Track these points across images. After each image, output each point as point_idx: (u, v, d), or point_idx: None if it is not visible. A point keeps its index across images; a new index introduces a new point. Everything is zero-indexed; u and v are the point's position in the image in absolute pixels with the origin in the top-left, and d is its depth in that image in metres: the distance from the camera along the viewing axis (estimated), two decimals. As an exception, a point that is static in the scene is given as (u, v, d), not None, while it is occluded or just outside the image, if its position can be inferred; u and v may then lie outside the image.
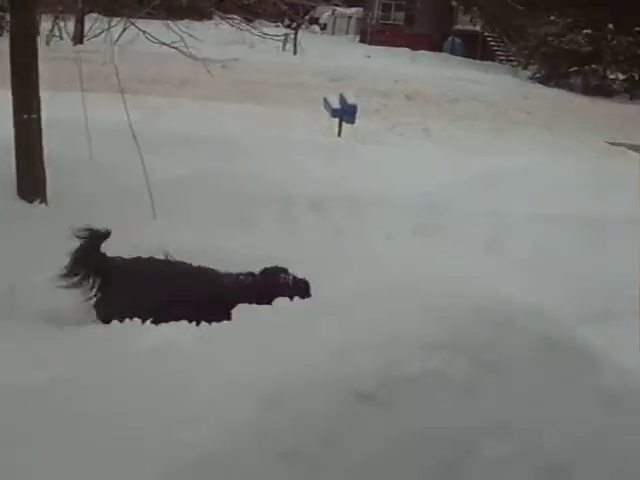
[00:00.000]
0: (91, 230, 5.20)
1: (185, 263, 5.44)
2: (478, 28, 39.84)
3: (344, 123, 13.41)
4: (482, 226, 7.96)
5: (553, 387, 2.77)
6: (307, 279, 5.42)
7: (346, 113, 13.27)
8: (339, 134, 13.37)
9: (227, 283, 5.38)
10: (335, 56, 29.23)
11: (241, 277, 5.44)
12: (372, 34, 41.49)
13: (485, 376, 2.74)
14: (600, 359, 3.02)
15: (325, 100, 14.10)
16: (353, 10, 45.91)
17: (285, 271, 5.44)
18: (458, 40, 39.75)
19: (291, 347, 3.05)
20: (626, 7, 29.31)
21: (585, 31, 29.80)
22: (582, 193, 9.27)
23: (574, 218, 8.34)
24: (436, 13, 40.73)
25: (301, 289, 5.19)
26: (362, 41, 42.07)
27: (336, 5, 43.15)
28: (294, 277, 5.41)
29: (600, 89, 29.95)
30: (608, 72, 31.01)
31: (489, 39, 39.19)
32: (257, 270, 5.47)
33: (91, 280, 5.19)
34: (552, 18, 30.83)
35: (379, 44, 38.64)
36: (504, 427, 2.60)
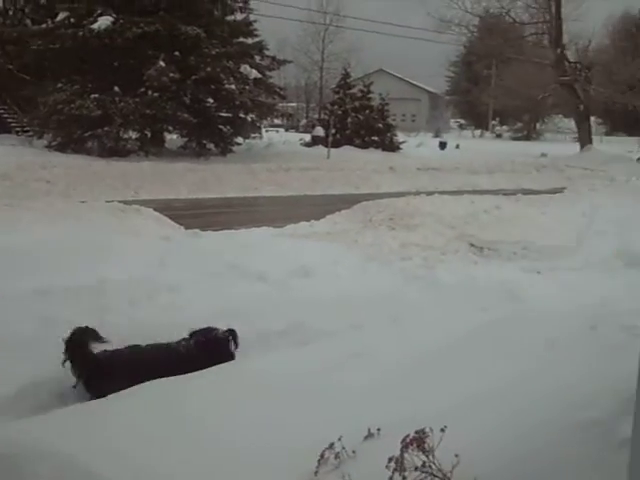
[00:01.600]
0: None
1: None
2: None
3: None
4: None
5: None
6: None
7: None
8: None
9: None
10: None
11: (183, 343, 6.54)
12: None
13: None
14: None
15: None
16: None
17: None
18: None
19: None
20: (127, 71, 31.09)
21: (93, 96, 30.62)
22: (92, 259, 9.77)
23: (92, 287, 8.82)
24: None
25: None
26: None
27: None
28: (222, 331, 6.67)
29: (115, 150, 31.17)
30: (121, 133, 32.34)
31: (1, 111, 38.46)
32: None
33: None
34: (60, 86, 31.29)
35: None
36: None
